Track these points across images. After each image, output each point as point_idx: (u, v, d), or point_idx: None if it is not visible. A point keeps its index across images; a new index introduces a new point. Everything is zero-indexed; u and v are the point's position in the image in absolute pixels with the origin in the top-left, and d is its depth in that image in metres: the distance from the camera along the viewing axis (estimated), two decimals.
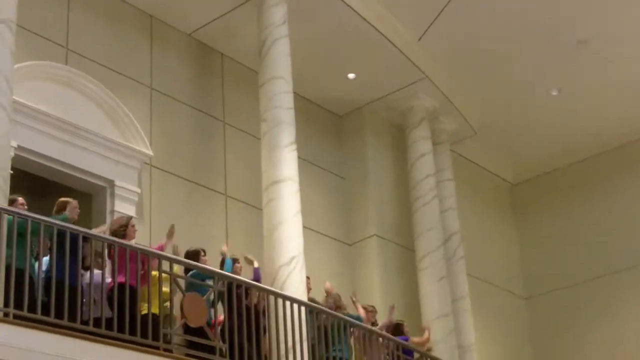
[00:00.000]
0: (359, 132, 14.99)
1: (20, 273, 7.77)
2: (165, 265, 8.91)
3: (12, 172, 9.04)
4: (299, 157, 11.80)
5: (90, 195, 11.21)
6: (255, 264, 10.80)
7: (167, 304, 9.24)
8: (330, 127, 14.96)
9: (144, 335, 8.39)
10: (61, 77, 11.10)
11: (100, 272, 8.51)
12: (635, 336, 15.69)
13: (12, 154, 9.64)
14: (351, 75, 14.33)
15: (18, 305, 7.59)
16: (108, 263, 8.72)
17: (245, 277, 10.31)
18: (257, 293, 9.84)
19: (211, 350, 8.94)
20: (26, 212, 8.13)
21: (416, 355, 11.93)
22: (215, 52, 13.42)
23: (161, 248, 9.59)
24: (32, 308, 7.70)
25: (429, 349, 12.82)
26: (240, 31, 13.01)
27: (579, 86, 15.36)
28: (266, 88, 11.93)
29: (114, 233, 9.20)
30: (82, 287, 8.32)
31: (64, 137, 10.80)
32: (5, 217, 7.80)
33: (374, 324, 11.68)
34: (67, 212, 8.74)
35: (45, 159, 10.63)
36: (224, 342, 9.09)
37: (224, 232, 12.34)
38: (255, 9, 12.36)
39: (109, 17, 12.06)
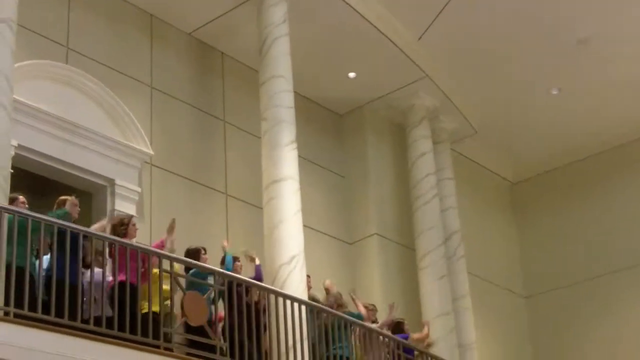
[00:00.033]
0: (360, 131, 14.99)
1: (20, 271, 7.77)
2: (166, 264, 8.92)
3: (12, 171, 9.06)
4: (299, 156, 11.79)
5: (90, 194, 11.20)
6: (257, 261, 10.80)
7: (168, 302, 9.24)
8: (330, 126, 14.96)
9: (145, 334, 8.40)
10: (61, 76, 11.10)
11: (100, 270, 8.50)
12: (635, 335, 15.69)
13: (13, 152, 9.64)
14: (351, 74, 14.32)
15: (18, 304, 7.60)
16: (108, 261, 8.72)
17: (246, 274, 10.33)
18: (258, 292, 9.85)
19: (212, 349, 8.95)
20: (27, 211, 8.15)
21: (416, 353, 11.91)
22: (215, 51, 13.42)
23: (162, 243, 9.60)
24: (32, 307, 7.71)
25: (429, 345, 12.81)
26: (240, 30, 13.01)
27: (579, 86, 15.36)
28: (266, 87, 11.93)
29: (114, 227, 9.21)
30: (82, 285, 8.33)
31: (64, 136, 10.79)
32: (6, 215, 7.81)
33: (374, 322, 11.68)
34: (66, 208, 8.74)
35: (45, 157, 10.62)
36: (224, 340, 9.09)
37: (224, 231, 12.33)
38: (255, 8, 12.36)
39: (109, 16, 12.06)
